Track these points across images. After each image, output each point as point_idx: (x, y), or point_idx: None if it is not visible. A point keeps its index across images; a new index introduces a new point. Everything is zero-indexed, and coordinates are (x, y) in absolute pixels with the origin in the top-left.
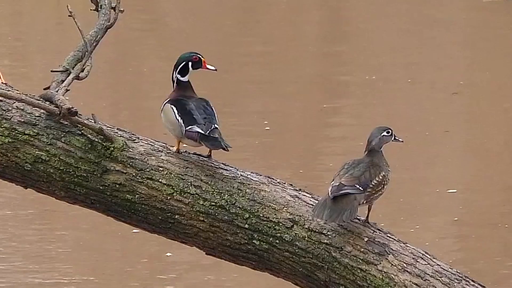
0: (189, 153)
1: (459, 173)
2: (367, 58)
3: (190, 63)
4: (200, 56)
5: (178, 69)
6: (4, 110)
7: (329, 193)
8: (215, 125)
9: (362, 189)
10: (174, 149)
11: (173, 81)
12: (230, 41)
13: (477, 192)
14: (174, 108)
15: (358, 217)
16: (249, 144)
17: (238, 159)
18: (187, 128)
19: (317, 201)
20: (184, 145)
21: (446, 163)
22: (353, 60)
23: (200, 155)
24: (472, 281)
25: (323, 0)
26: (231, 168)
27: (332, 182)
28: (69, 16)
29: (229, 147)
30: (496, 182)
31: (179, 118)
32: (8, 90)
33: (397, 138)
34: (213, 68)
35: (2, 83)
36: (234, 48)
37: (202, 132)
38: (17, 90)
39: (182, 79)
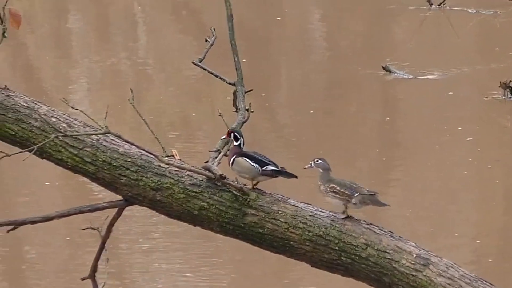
0: (295, 200)
1: None
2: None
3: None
4: (235, 133)
5: (233, 137)
6: (180, 177)
7: (374, 193)
8: (276, 164)
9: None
10: (250, 186)
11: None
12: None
13: None
14: (246, 158)
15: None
16: None
17: None
18: (262, 169)
19: (382, 230)
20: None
21: None
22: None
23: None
24: (485, 281)
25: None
26: (325, 211)
27: (363, 188)
28: (219, 115)
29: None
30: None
31: (254, 164)
32: (182, 164)
33: (311, 166)
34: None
35: (178, 159)
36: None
37: (277, 169)
38: (187, 164)
39: (235, 142)
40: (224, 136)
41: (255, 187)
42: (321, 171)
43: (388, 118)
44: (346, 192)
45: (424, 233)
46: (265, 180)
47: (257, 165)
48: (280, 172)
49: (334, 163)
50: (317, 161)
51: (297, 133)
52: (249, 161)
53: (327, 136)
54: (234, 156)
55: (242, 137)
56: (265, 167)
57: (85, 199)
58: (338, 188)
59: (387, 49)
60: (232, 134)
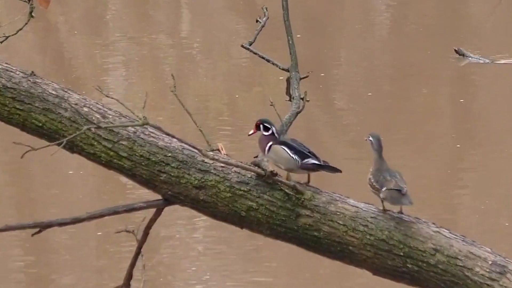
0: (355, 200)
1: None
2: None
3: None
4: (264, 123)
5: (262, 128)
6: (226, 173)
7: (401, 190)
8: (319, 157)
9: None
10: (304, 182)
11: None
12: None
13: None
14: (285, 147)
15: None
16: None
17: None
18: (303, 162)
19: (453, 234)
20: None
21: None
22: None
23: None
24: None
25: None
26: (389, 211)
27: (392, 185)
28: (270, 105)
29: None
30: None
31: (293, 155)
32: (229, 159)
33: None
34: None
35: (224, 154)
36: None
37: (318, 163)
38: (235, 159)
39: (265, 133)
40: (252, 131)
41: (309, 184)
42: (373, 151)
43: (462, 100)
44: (376, 186)
45: (499, 227)
46: (302, 173)
47: (296, 157)
48: (323, 167)
49: (399, 149)
50: (368, 136)
51: (354, 117)
52: (288, 151)
53: (391, 120)
54: (271, 143)
55: (273, 126)
56: (305, 160)
57: (113, 189)
58: (372, 180)
59: (460, 32)
60: (261, 125)
